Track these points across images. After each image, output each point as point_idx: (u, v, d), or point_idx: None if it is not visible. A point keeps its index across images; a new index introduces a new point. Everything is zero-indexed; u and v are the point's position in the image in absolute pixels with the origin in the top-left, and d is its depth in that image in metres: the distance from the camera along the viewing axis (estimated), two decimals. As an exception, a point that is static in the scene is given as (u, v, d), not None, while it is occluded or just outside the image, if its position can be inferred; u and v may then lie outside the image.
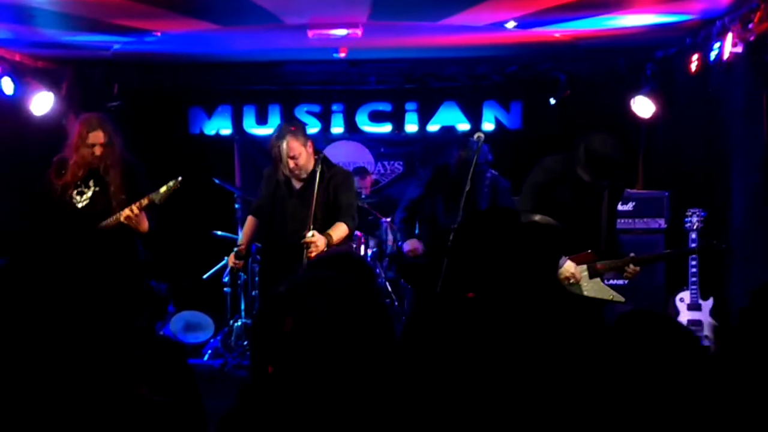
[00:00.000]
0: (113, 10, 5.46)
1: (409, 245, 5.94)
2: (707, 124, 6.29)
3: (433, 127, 8.40)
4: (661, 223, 6.54)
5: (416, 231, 6.08)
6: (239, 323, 6.81)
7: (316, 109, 8.40)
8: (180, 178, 4.87)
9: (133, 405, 1.93)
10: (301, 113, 8.35)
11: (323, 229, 4.85)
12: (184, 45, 6.63)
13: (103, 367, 1.94)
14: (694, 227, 5.63)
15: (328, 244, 4.77)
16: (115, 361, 1.96)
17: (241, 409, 1.78)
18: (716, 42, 5.60)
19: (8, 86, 6.34)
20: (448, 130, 8.18)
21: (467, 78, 8.08)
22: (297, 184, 5.08)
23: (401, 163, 8.60)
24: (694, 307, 5.73)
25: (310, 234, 4.75)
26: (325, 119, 8.41)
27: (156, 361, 2.32)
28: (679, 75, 6.63)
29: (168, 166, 5.21)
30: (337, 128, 8.47)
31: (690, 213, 5.67)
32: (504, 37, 6.39)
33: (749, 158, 5.62)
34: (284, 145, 4.93)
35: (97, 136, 4.94)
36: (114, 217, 4.85)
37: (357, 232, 6.64)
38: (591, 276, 4.56)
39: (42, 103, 6.59)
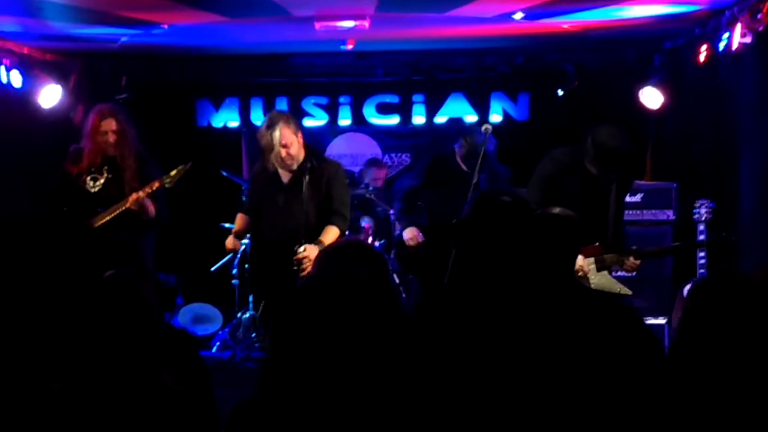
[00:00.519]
0: (121, 2, 5.46)
1: (409, 233, 5.91)
2: (716, 115, 6.26)
3: (440, 119, 8.39)
4: (670, 214, 6.52)
5: (420, 220, 6.04)
6: (247, 315, 6.81)
7: (324, 101, 8.40)
8: (190, 163, 5.06)
9: (158, 393, 1.97)
10: (309, 105, 8.35)
11: (315, 225, 4.78)
12: (191, 37, 6.63)
13: (131, 357, 1.98)
14: (703, 219, 5.60)
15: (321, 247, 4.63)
16: (142, 350, 2.00)
17: (256, 398, 1.79)
18: (725, 32, 5.57)
19: (17, 79, 6.36)
20: (455, 122, 8.18)
21: (475, 69, 8.06)
22: (286, 177, 4.95)
23: (408, 155, 8.59)
24: (702, 298, 5.70)
25: (301, 249, 4.64)
26: (332, 111, 8.41)
27: (169, 351, 2.34)
28: (687, 66, 6.60)
29: (175, 159, 5.22)
30: (344, 120, 8.46)
31: (698, 204, 5.65)
32: (512, 28, 6.37)
33: (758, 149, 5.59)
34: (277, 132, 4.79)
35: (110, 124, 5.17)
36: (122, 202, 4.96)
37: (365, 224, 6.64)
38: (599, 269, 4.55)
39: (50, 95, 6.61)
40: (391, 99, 8.43)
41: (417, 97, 8.41)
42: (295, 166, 4.88)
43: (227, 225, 7.15)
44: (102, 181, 5.19)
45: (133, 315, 2.08)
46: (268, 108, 8.40)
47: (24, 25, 6.04)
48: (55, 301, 2.61)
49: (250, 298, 6.94)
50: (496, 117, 8.24)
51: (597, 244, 4.53)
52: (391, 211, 7.01)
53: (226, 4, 5.62)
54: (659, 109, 6.99)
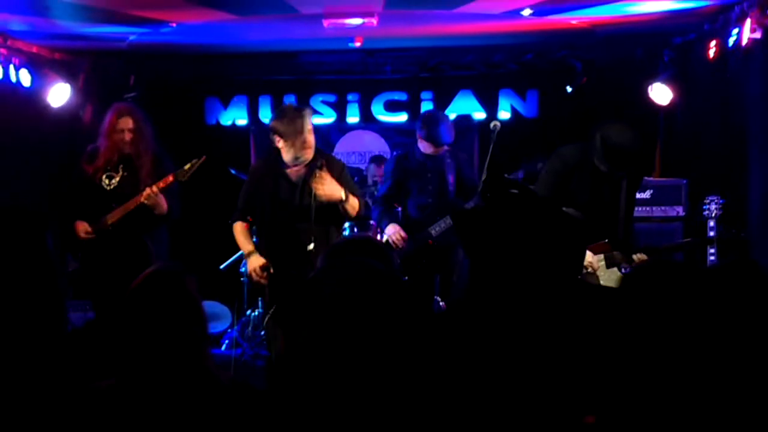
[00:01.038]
0: (129, 1, 5.48)
1: (391, 228, 5.80)
2: (725, 111, 6.24)
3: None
4: (679, 210, 6.50)
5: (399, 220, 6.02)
6: (256, 313, 6.83)
7: (332, 98, 8.40)
8: (204, 156, 5.07)
9: (207, 387, 2.00)
10: (317, 103, 8.35)
11: (325, 221, 4.69)
12: (199, 35, 6.64)
13: (179, 352, 2.01)
14: (713, 215, 5.59)
15: (340, 200, 4.61)
16: (190, 345, 2.03)
17: (270, 390, 1.80)
18: (735, 28, 5.55)
19: (26, 78, 6.38)
20: (464, 119, 8.16)
21: (483, 66, 8.04)
22: (294, 174, 4.80)
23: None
24: (712, 294, 5.69)
25: (311, 246, 4.55)
26: (340, 109, 8.40)
27: None
28: (697, 61, 6.58)
29: (184, 156, 5.22)
30: (352, 118, 8.46)
31: (708, 200, 5.63)
32: (520, 24, 6.36)
33: (768, 145, 5.58)
34: (307, 117, 4.69)
35: (126, 123, 5.23)
36: (135, 198, 5.00)
37: (373, 222, 6.64)
38: (608, 265, 4.55)
39: (59, 94, 6.64)
40: (400, 96, 8.42)
41: (425, 95, 8.39)
42: (309, 159, 4.77)
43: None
44: (117, 178, 5.25)
45: (181, 310, 2.11)
46: (276, 106, 8.40)
47: (33, 24, 6.06)
48: (101, 298, 2.65)
49: (259, 296, 6.95)
50: (504, 114, 8.22)
51: (605, 241, 4.52)
52: (398, 208, 7.00)
53: (235, 2, 5.63)
54: (668, 106, 6.97)
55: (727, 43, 5.71)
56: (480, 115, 8.27)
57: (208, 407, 2.02)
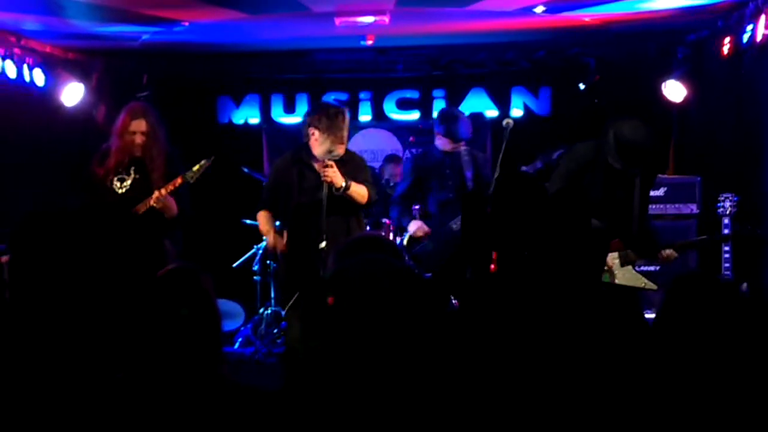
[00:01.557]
0: (142, 0, 5.49)
1: (414, 225, 5.98)
2: (739, 107, 6.21)
3: (461, 115, 8.36)
4: (693, 208, 6.47)
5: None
6: (270, 311, 6.84)
7: (344, 97, 8.39)
8: (212, 157, 5.04)
9: (214, 383, 2.01)
10: (329, 101, 8.35)
11: (340, 214, 4.81)
12: (212, 34, 6.65)
13: (195, 347, 2.03)
14: (727, 212, 5.56)
15: (346, 187, 4.76)
16: (206, 341, 2.05)
17: (287, 386, 1.80)
18: (749, 24, 5.52)
19: (39, 78, 6.42)
20: (476, 117, 8.14)
21: (495, 64, 8.02)
22: (320, 165, 4.88)
23: (429, 150, 8.57)
24: (727, 293, 5.66)
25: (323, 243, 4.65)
26: (352, 107, 8.39)
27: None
28: (711, 58, 6.54)
29: (197, 155, 5.21)
30: (364, 116, 8.46)
31: (722, 198, 5.60)
32: (532, 22, 6.34)
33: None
34: (347, 115, 4.92)
35: (140, 125, 5.10)
36: (145, 201, 4.97)
37: (386, 220, 6.63)
38: (622, 264, 4.53)
39: (73, 94, 6.67)
40: (412, 94, 8.41)
41: (437, 93, 8.39)
42: (341, 154, 4.90)
43: (248, 221, 7.19)
44: (129, 181, 5.12)
45: (197, 306, 2.13)
46: (288, 104, 8.42)
47: (46, 24, 6.08)
48: (120, 292, 2.68)
49: (272, 294, 6.96)
50: (517, 111, 8.21)
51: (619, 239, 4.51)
52: (414, 207, 7.02)
53: (247, 1, 5.63)
54: (682, 103, 6.94)
55: (741, 39, 5.68)
56: (492, 113, 8.26)
57: (220, 407, 2.03)
